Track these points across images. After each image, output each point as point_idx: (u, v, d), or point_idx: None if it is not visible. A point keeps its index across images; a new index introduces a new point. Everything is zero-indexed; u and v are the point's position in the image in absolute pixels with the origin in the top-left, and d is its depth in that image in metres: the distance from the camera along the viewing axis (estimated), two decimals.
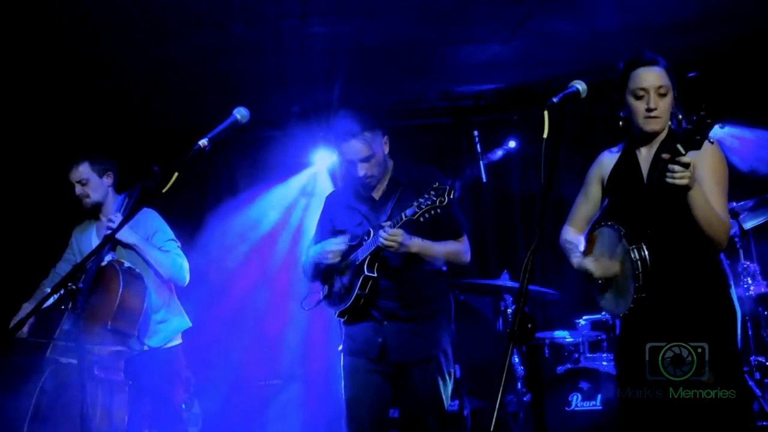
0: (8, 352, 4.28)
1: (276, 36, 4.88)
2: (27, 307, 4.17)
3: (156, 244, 4.18)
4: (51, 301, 4.04)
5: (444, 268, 3.73)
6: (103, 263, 3.99)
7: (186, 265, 4.25)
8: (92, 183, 4.21)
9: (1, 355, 4.49)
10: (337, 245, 3.62)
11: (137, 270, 4.05)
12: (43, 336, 4.05)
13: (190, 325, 4.42)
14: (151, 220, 4.24)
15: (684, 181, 2.69)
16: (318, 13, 4.58)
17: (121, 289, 3.87)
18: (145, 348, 4.11)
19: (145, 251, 4.10)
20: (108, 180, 4.25)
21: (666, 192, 2.76)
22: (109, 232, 3.91)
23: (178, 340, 4.34)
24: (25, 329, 4.04)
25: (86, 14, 4.39)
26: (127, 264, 4.04)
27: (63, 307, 4.08)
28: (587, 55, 5.27)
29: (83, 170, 4.19)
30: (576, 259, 3.18)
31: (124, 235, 4.05)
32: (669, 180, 2.70)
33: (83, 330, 3.75)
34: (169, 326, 4.28)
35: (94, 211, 4.29)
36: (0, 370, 4.21)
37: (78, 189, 4.21)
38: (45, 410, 3.75)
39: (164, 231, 4.27)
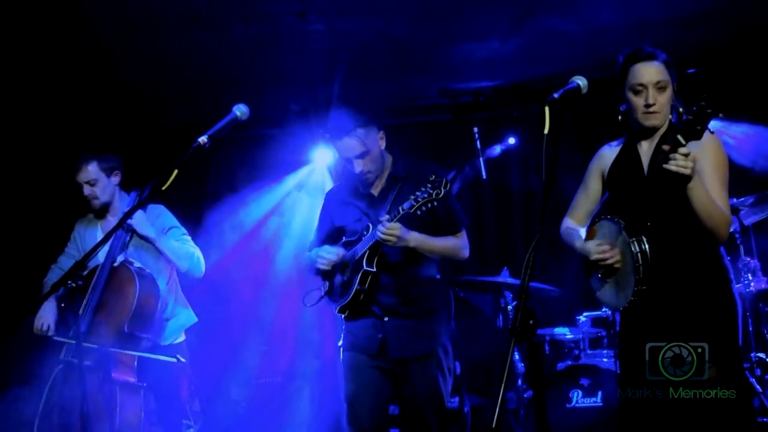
0: (19, 351, 4.28)
1: (275, 34, 4.88)
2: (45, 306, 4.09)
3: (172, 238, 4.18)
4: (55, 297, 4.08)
5: (438, 276, 3.72)
6: (116, 264, 3.97)
7: (202, 257, 4.24)
8: (101, 183, 4.16)
9: (13, 354, 4.49)
10: (329, 254, 3.63)
11: (147, 270, 4.04)
12: (65, 336, 4.01)
13: (197, 320, 4.43)
14: (163, 216, 4.23)
15: (687, 171, 2.67)
16: (317, 11, 4.58)
17: (137, 292, 3.86)
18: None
19: (163, 244, 4.06)
20: (115, 179, 4.22)
21: (666, 183, 2.76)
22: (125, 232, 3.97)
23: (182, 337, 4.34)
24: (52, 327, 4.01)
25: (86, 14, 4.38)
26: (137, 264, 4.02)
27: (63, 305, 4.08)
28: (587, 52, 5.26)
29: (92, 170, 4.13)
30: (579, 243, 3.15)
31: (142, 226, 3.99)
32: (672, 167, 2.67)
33: (96, 331, 3.78)
34: (176, 322, 4.29)
35: (101, 211, 4.27)
36: (11, 370, 4.20)
37: (87, 190, 4.16)
38: (54, 411, 3.73)
39: (178, 226, 4.26)
